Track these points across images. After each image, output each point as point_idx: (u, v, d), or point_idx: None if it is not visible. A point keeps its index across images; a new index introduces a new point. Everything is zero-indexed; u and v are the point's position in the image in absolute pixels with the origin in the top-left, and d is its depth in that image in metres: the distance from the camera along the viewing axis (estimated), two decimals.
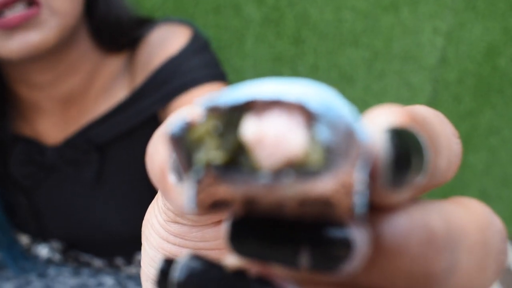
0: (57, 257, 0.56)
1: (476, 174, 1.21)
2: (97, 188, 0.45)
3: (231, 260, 0.09)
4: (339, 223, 0.08)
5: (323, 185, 0.07)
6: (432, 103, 1.14)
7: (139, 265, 0.52)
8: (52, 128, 0.45)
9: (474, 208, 0.10)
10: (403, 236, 0.08)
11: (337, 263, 0.08)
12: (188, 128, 0.08)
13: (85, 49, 0.43)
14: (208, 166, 0.07)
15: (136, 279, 0.53)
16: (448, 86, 1.13)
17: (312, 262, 0.08)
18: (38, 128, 0.45)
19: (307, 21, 1.07)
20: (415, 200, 0.09)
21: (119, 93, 0.45)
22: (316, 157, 0.07)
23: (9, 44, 0.35)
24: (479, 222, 0.09)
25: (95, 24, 0.44)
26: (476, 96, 1.12)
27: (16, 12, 0.34)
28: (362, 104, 1.15)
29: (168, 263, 0.09)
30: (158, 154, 0.10)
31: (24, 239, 0.56)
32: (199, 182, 0.07)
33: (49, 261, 0.57)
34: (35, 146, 0.44)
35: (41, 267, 0.56)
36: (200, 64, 0.42)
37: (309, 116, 0.07)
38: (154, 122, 0.45)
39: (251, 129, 0.07)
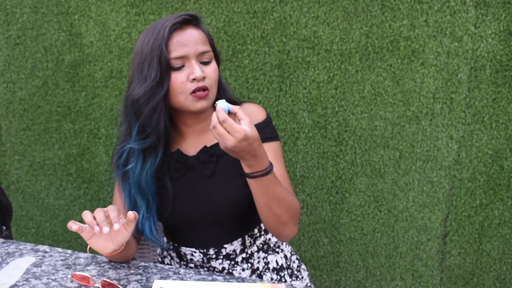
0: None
1: (492, 260, 1.22)
2: (213, 178, 0.80)
3: None
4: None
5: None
6: (450, 197, 1.16)
7: (225, 259, 0.83)
8: (191, 146, 0.83)
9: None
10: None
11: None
12: None
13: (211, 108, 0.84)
14: None
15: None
16: (463, 183, 1.17)
17: None
18: (183, 146, 0.83)
19: (347, 127, 1.17)
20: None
21: None
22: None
23: (197, 105, 0.75)
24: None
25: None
26: (487, 192, 1.16)
27: (202, 92, 0.75)
28: (392, 195, 1.19)
29: None
30: None
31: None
32: None
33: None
34: (182, 155, 0.82)
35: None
36: (268, 131, 0.80)
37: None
38: None
39: None
